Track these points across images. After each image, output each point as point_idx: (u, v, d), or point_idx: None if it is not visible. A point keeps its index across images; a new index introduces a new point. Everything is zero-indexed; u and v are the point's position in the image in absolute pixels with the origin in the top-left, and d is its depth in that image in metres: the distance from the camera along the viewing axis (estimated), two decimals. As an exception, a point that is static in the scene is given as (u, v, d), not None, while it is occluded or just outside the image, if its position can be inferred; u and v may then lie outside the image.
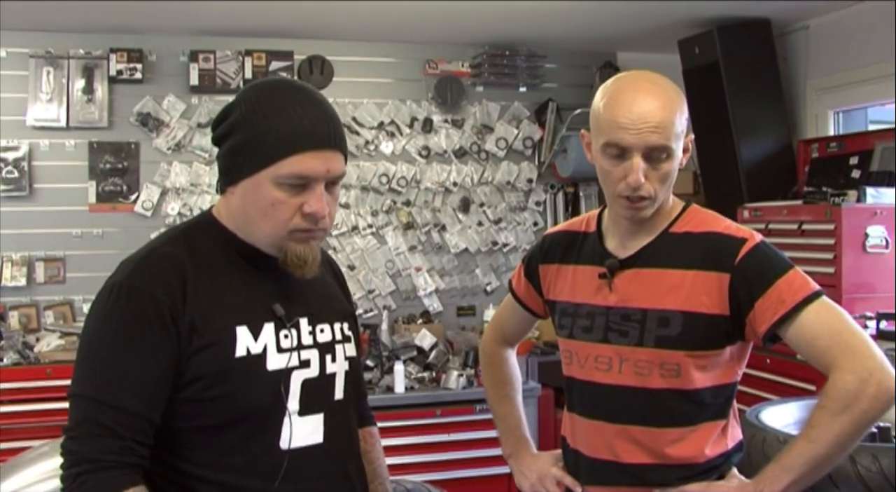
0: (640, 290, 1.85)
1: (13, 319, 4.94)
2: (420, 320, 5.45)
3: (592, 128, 1.85)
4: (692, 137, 1.86)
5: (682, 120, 1.79)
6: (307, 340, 1.71)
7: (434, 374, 4.81)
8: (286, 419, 1.64)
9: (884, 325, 3.66)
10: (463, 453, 4.59)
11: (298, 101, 1.63)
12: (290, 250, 1.64)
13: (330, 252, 5.21)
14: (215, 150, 1.71)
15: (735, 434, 1.91)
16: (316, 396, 1.69)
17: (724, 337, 1.81)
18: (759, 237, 1.82)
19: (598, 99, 1.83)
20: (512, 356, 2.29)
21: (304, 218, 1.62)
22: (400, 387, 4.59)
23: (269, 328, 1.65)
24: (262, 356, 1.63)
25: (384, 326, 5.24)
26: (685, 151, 1.84)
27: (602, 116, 1.80)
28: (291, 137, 1.59)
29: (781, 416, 2.94)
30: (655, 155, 1.77)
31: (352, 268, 5.46)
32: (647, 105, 1.75)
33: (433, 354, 4.95)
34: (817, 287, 1.77)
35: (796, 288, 1.75)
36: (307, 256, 1.66)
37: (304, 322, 1.72)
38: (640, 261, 1.87)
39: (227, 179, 1.66)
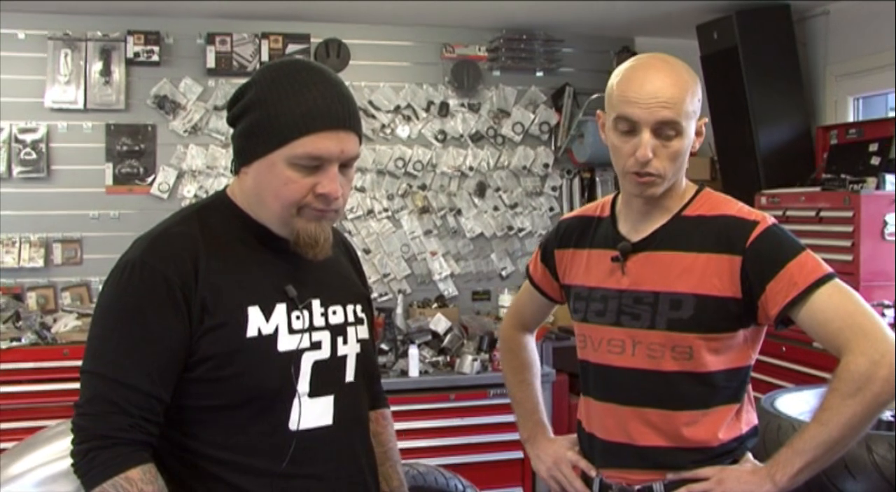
0: (653, 273, 1.86)
1: (31, 300, 4.97)
2: (435, 305, 5.45)
3: (606, 106, 1.88)
4: (706, 120, 1.87)
5: (693, 100, 1.81)
6: (319, 321, 1.71)
7: (448, 358, 4.83)
8: (296, 401, 1.65)
9: (901, 313, 3.65)
10: (476, 438, 4.60)
11: (313, 81, 1.63)
12: (301, 231, 1.64)
13: (345, 236, 5.24)
14: (231, 132, 1.71)
15: (750, 419, 1.91)
16: (326, 378, 1.70)
17: (736, 320, 1.81)
18: (771, 220, 1.83)
19: (613, 78, 1.87)
20: (531, 342, 2.30)
21: (316, 198, 1.62)
22: (414, 371, 4.61)
23: (280, 309, 1.66)
24: (274, 337, 1.64)
25: (399, 310, 5.25)
26: (698, 134, 1.85)
27: (614, 93, 1.84)
28: (305, 117, 1.59)
29: (797, 403, 2.94)
30: (665, 131, 1.78)
31: (367, 252, 5.47)
32: (658, 81, 1.78)
33: (448, 338, 4.96)
34: (830, 269, 1.77)
35: (808, 270, 1.75)
36: (318, 236, 1.66)
37: (316, 304, 1.72)
38: (652, 244, 1.88)
39: (242, 160, 1.67)
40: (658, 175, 1.80)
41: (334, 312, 1.76)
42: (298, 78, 1.63)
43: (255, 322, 1.62)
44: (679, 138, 1.79)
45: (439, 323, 5.06)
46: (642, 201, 1.89)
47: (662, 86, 1.77)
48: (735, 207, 1.88)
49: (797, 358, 3.94)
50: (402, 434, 4.24)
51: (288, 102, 1.60)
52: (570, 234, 2.06)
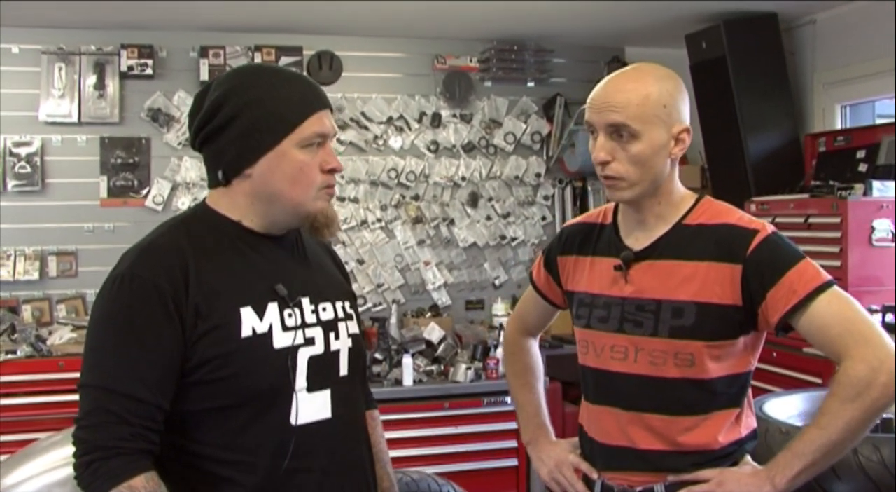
0: (655, 281, 1.88)
1: (26, 312, 4.99)
2: (429, 314, 5.47)
3: None
4: (686, 127, 1.87)
5: (656, 105, 1.82)
6: (310, 318, 1.76)
7: (442, 367, 4.85)
8: (294, 396, 1.69)
9: (889, 318, 3.67)
10: (470, 446, 4.62)
11: (287, 74, 1.79)
12: (318, 212, 1.76)
13: (339, 247, 5.26)
14: (213, 146, 1.75)
15: (749, 423, 1.93)
16: (322, 372, 1.75)
17: (738, 327, 1.83)
18: (771, 228, 1.85)
19: None
20: (534, 346, 2.32)
21: (326, 175, 1.73)
22: (408, 380, 4.63)
23: (273, 308, 1.70)
24: (268, 335, 1.68)
25: (393, 320, 5.27)
26: (676, 141, 1.86)
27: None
28: (303, 102, 1.71)
29: (784, 407, 2.97)
30: (621, 134, 1.82)
31: (361, 262, 5.49)
32: (613, 87, 1.85)
33: (441, 347, 4.98)
34: (829, 277, 1.79)
35: (808, 278, 1.77)
36: (332, 214, 1.80)
37: (306, 301, 1.77)
38: (654, 252, 1.90)
39: (244, 161, 1.71)
40: (620, 178, 1.84)
41: (324, 309, 1.80)
42: (275, 74, 1.76)
43: (249, 322, 1.66)
44: (636, 142, 1.82)
45: (433, 332, 5.08)
46: (633, 209, 1.92)
47: (616, 90, 1.83)
48: (735, 216, 1.89)
49: (788, 363, 3.97)
50: (397, 443, 4.28)
51: (281, 93, 1.70)
52: (573, 240, 2.08)
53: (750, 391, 1.94)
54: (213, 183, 1.77)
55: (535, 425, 2.23)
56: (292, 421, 1.69)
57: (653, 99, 1.82)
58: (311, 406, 1.71)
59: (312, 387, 1.72)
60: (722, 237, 1.84)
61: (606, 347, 1.93)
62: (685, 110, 1.89)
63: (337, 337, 1.80)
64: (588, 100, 1.88)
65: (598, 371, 1.96)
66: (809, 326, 1.77)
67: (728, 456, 1.87)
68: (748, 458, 1.90)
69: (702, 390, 1.85)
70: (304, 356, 1.72)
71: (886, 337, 1.73)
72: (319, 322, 1.77)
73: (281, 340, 1.69)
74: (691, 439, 1.86)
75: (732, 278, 1.80)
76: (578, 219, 2.15)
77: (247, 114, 1.68)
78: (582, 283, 2.03)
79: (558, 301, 2.20)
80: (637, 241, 1.93)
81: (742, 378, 1.89)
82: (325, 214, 1.77)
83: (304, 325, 1.74)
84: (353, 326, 1.86)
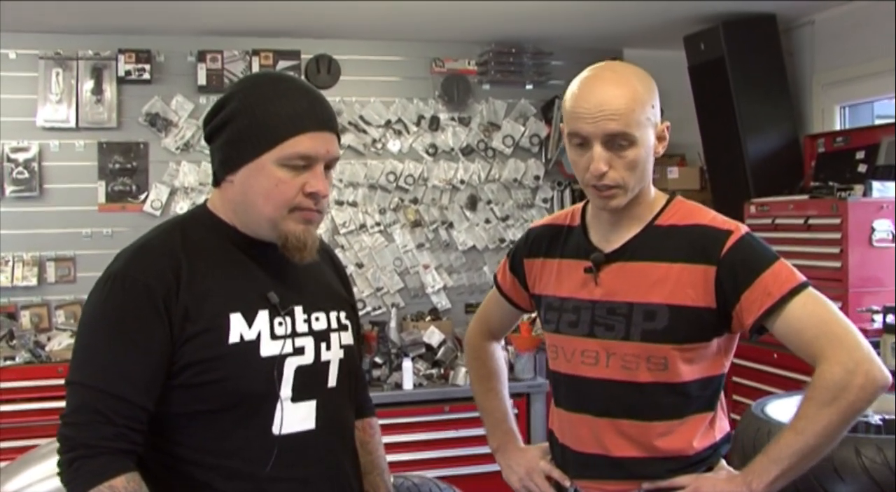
0: (626, 283, 1.84)
1: (25, 318, 4.98)
2: (428, 318, 5.46)
3: (563, 120, 1.88)
4: (668, 125, 1.86)
5: (646, 108, 1.79)
6: (302, 327, 1.74)
7: (442, 370, 4.85)
8: (278, 405, 1.68)
9: (890, 318, 3.66)
10: (470, 450, 4.60)
11: (294, 87, 1.71)
12: (290, 234, 1.69)
13: (338, 250, 5.26)
14: (212, 146, 1.75)
15: (722, 426, 1.91)
16: (309, 383, 1.73)
17: (711, 330, 1.81)
18: (744, 229, 1.82)
19: (567, 91, 1.85)
20: (497, 350, 2.28)
21: (305, 197, 1.67)
22: (408, 384, 4.63)
23: (263, 315, 1.69)
24: (256, 343, 1.67)
25: (393, 324, 5.26)
26: (660, 139, 1.84)
27: (566, 108, 1.83)
28: (294, 119, 1.66)
29: (787, 409, 2.95)
30: (617, 142, 1.77)
31: (360, 266, 5.48)
32: (604, 94, 1.76)
33: (441, 351, 4.98)
34: (804, 278, 1.77)
35: (783, 280, 1.75)
36: (306, 239, 1.70)
37: (298, 310, 1.75)
38: (625, 254, 1.86)
39: (227, 168, 1.70)
40: (617, 186, 1.79)
41: (317, 319, 1.78)
42: (279, 85, 1.70)
43: (237, 328, 1.65)
44: (633, 148, 1.77)
45: (433, 336, 5.08)
46: (610, 212, 1.87)
47: (608, 98, 1.75)
48: (708, 216, 1.86)
49: (788, 365, 3.96)
50: (397, 447, 4.27)
51: (274, 106, 1.66)
52: (540, 242, 2.04)
53: (723, 395, 1.92)
54: (212, 182, 1.78)
55: (502, 432, 2.19)
56: (275, 430, 1.68)
57: (642, 101, 1.78)
58: (294, 416, 1.70)
59: (297, 397, 1.71)
60: (695, 238, 1.82)
61: (577, 352, 1.89)
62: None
63: (328, 348, 1.78)
64: (571, 109, 1.80)
65: (569, 377, 1.92)
66: (784, 329, 1.75)
67: (703, 461, 1.85)
68: (723, 463, 1.88)
69: (675, 393, 1.82)
70: (291, 366, 1.70)
71: (862, 339, 1.72)
72: (311, 332, 1.76)
73: (268, 348, 1.68)
74: (666, 444, 1.83)
75: (706, 280, 1.78)
76: (545, 220, 2.11)
77: (238, 120, 1.67)
78: (549, 286, 1.99)
79: (524, 304, 2.16)
80: (608, 242, 1.89)
81: (715, 381, 1.87)
82: (298, 237, 1.69)
83: (294, 334, 1.72)
84: (347, 338, 1.84)
